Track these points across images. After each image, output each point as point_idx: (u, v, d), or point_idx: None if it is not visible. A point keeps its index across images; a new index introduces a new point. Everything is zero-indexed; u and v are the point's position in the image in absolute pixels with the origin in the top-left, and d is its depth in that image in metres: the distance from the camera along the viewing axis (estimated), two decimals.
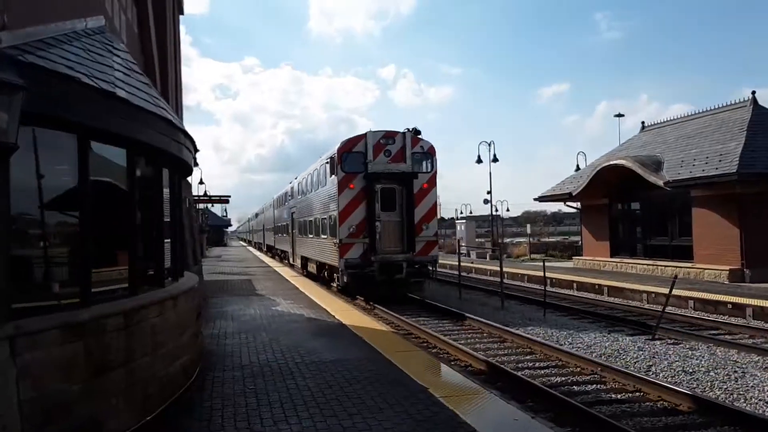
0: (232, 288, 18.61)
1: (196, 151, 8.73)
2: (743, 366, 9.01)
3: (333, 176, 17.06)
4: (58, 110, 4.20)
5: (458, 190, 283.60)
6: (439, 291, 20.07)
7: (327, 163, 17.97)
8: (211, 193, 47.31)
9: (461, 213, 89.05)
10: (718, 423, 6.47)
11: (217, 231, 77.81)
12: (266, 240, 44.52)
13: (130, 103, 5.08)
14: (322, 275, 20.42)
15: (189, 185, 18.97)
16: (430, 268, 16.94)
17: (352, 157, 16.60)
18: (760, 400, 7.37)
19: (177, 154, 6.57)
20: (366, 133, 16.77)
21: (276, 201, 35.43)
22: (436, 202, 17.46)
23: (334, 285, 18.49)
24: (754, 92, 21.96)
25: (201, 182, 54.34)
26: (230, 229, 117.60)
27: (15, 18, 4.17)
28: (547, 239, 56.48)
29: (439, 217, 21.48)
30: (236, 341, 9.39)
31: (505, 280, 22.84)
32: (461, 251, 40.08)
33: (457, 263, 20.58)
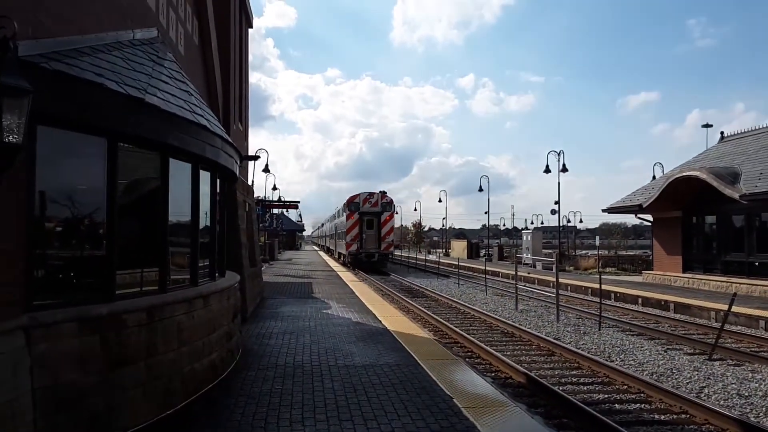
0: (292, 290, 19.08)
1: (241, 157, 9.05)
2: None
3: (345, 213, 36.91)
4: (85, 115, 4.51)
5: (532, 199, 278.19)
6: (494, 301, 19.72)
7: (344, 206, 37.57)
8: (288, 198, 50.36)
9: (531, 223, 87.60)
10: None
11: (290, 235, 79.94)
12: (326, 243, 65.46)
13: (160, 108, 5.35)
14: (341, 259, 40.37)
15: (250, 189, 19.61)
16: (390, 257, 37.32)
17: (353, 204, 36.21)
18: None
19: (214, 159, 6.84)
20: (360, 194, 36.53)
21: (327, 220, 62.94)
22: (393, 226, 37.40)
23: (345, 262, 37.64)
24: None
25: (274, 188, 56.31)
26: (304, 233, 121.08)
27: (48, 29, 4.51)
28: (624, 252, 54.28)
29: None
30: (278, 342, 9.62)
31: (568, 293, 22.21)
32: (526, 262, 39.38)
33: (521, 274, 20.15)
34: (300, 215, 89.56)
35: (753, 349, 11.65)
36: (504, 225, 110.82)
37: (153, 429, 5.22)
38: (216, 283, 7.20)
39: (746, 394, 8.15)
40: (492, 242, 64.92)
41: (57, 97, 4.24)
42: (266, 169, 38.80)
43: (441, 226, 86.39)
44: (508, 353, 10.98)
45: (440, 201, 71.63)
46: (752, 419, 7.04)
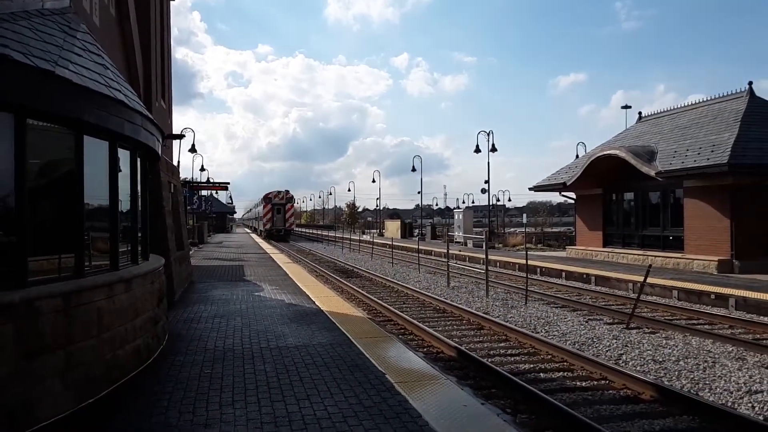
0: (222, 273, 18.65)
1: (164, 135, 8.68)
2: (715, 356, 8.96)
3: (262, 204, 57.04)
4: None
5: (466, 179, 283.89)
6: (426, 279, 20.06)
7: (262, 199, 57.58)
8: (219, 180, 50.43)
9: (463, 202, 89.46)
10: (677, 412, 6.43)
11: (220, 217, 78.07)
12: (253, 225, 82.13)
13: (72, 82, 5.02)
14: (262, 235, 55.95)
15: (176, 170, 18.93)
16: (291, 232, 57.55)
17: (267, 198, 55.29)
18: (724, 390, 7.31)
19: (133, 136, 6.52)
20: (272, 191, 55.42)
21: (254, 206, 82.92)
22: (293, 212, 59.20)
23: (264, 236, 53.95)
24: (750, 83, 21.78)
25: (203, 169, 54.74)
26: (236, 216, 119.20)
27: None
28: (550, 229, 56.43)
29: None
30: (208, 326, 9.39)
31: (497, 269, 22.89)
32: (458, 240, 40.23)
33: (453, 252, 20.53)
34: (230, 197, 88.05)
35: (667, 318, 12.44)
36: (437, 205, 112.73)
37: (74, 418, 4.98)
38: (139, 266, 6.92)
39: (660, 359, 8.69)
40: (425, 222, 65.88)
41: None
42: (193, 149, 37.59)
43: (375, 207, 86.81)
44: (440, 329, 11.21)
45: (374, 181, 71.73)
46: (665, 383, 7.50)
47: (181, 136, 17.19)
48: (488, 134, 39.45)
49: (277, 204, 54.39)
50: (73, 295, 5.06)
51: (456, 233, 42.60)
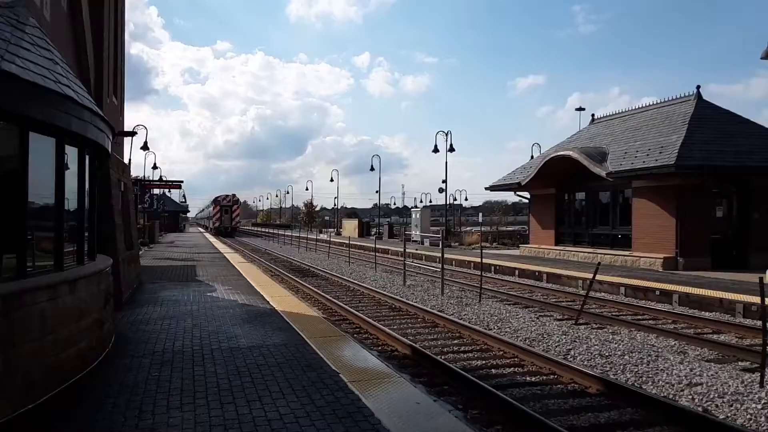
0: (173, 274, 18.25)
1: (115, 132, 8.43)
2: (659, 350, 9.30)
3: (212, 205, 68.83)
4: None
5: (424, 178, 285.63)
6: (383, 278, 20.13)
7: (212, 201, 68.98)
8: (173, 178, 50.54)
9: (421, 202, 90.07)
10: (622, 405, 6.64)
11: (173, 216, 76.38)
12: (205, 223, 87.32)
13: (18, 77, 4.84)
14: (212, 231, 65.13)
15: (126, 168, 18.43)
16: (237, 229, 67.48)
17: (216, 201, 65.93)
18: (666, 383, 7.58)
19: (81, 133, 6.31)
20: (220, 195, 66.01)
21: (206, 207, 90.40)
22: (239, 213, 68.77)
23: (212, 231, 65.21)
24: (698, 87, 22.62)
25: (155, 167, 53.42)
26: (189, 215, 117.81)
27: None
28: (505, 228, 57.43)
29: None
30: (156, 327, 9.17)
31: (453, 268, 23.14)
32: (415, 239, 40.49)
33: (410, 251, 20.62)
34: (184, 196, 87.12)
35: (614, 314, 12.83)
36: (395, 204, 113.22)
37: (13, 425, 4.79)
38: (84, 267, 6.70)
39: (607, 354, 8.96)
40: (383, 221, 66.05)
41: None
42: (145, 146, 36.56)
43: (333, 206, 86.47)
44: (395, 327, 11.27)
45: (332, 180, 71.38)
46: (611, 376, 7.75)
47: (132, 133, 16.75)
48: (446, 134, 39.90)
49: (225, 206, 64.88)
50: (14, 296, 4.86)
51: (413, 232, 42.88)
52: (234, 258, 25.31)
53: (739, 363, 8.68)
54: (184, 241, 44.18)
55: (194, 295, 13.00)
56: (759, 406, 6.44)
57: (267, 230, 75.50)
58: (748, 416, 6.24)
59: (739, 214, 20.17)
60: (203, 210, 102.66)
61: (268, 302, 11.79)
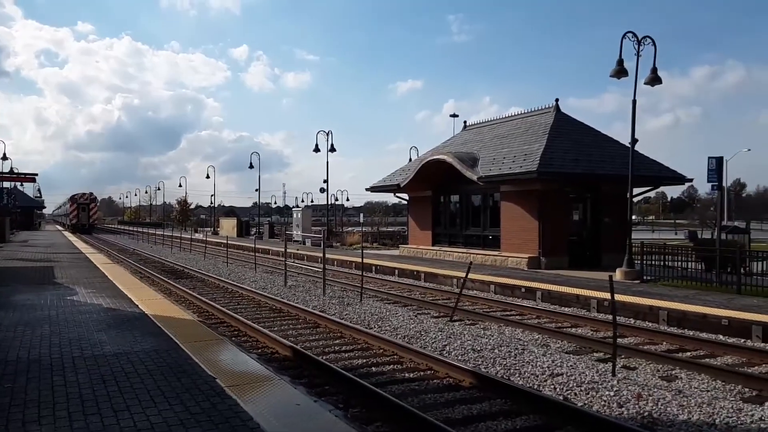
0: (27, 276, 16.58)
1: None
2: (525, 343, 9.98)
3: (69, 203, 69.64)
4: None
5: (306, 177, 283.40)
6: (263, 279, 19.73)
7: (69, 199, 69.87)
8: (26, 170, 46.07)
9: (302, 201, 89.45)
10: (492, 396, 7.03)
11: (26, 213, 69.52)
12: (62, 220, 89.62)
13: None
14: (69, 228, 66.86)
15: None
16: (94, 226, 69.29)
17: (74, 198, 67.20)
18: (532, 374, 8.14)
19: None
20: (77, 193, 67.79)
21: (63, 204, 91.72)
22: (96, 210, 73.00)
23: (69, 228, 66.45)
24: (557, 99, 24.58)
25: (5, 157, 48.18)
26: (46, 211, 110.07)
27: None
28: (385, 229, 58.61)
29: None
30: (9, 335, 8.27)
31: (335, 268, 23.23)
32: (296, 239, 40.11)
33: (291, 251, 20.35)
34: (39, 190, 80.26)
35: (485, 310, 13.59)
36: (276, 203, 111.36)
37: None
38: None
39: (479, 348, 9.45)
40: (263, 220, 64.68)
41: None
42: None
43: (210, 204, 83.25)
44: (276, 328, 11.09)
45: (208, 177, 68.64)
46: (482, 369, 8.19)
47: None
48: (327, 134, 39.97)
49: (83, 203, 66.91)
50: None
51: (295, 232, 42.45)
52: (98, 258, 23.52)
53: (595, 354, 9.57)
54: (40, 240, 40.28)
55: (52, 299, 11.90)
56: (612, 393, 7.12)
57: (135, 229, 71.03)
58: (603, 403, 6.87)
59: (592, 218, 22.24)
60: (60, 207, 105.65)
61: (137, 306, 11.07)
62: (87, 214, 66.37)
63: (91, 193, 70.09)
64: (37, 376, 6.20)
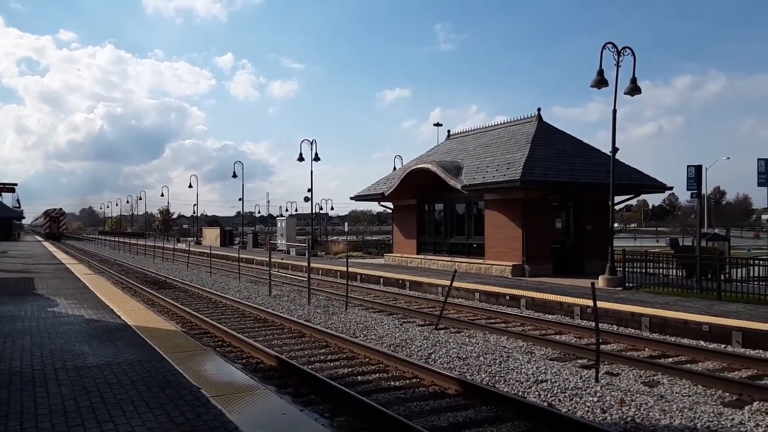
0: (6, 287, 16.31)
1: None
2: (509, 351, 10.04)
3: (43, 216, 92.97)
4: None
5: (291, 186, 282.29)
6: (248, 289, 19.62)
7: (44, 213, 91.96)
8: (5, 180, 45.87)
9: (286, 210, 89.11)
10: (478, 404, 7.07)
11: (5, 223, 68.48)
12: (39, 231, 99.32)
13: None
14: (42, 236, 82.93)
15: None
16: (64, 234, 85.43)
17: (47, 213, 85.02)
18: (516, 381, 8.19)
19: None
20: (49, 209, 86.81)
21: (40, 217, 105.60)
22: (65, 222, 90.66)
23: (43, 236, 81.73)
24: (539, 109, 24.83)
25: None
26: (25, 221, 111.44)
27: None
28: (370, 237, 58.61)
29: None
30: None
31: (320, 277, 23.18)
32: (281, 248, 39.95)
33: (275, 260, 20.26)
34: (18, 200, 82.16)
35: (470, 318, 13.65)
36: (260, 212, 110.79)
37: None
38: None
39: (464, 356, 9.48)
40: (247, 229, 64.33)
41: None
42: None
43: (192, 213, 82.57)
44: (260, 338, 11.04)
45: (191, 186, 67.92)
46: (468, 377, 8.22)
47: None
48: (311, 143, 39.98)
49: (54, 217, 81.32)
50: None
51: (279, 241, 42.29)
52: (79, 269, 23.23)
53: (578, 360, 9.66)
54: (19, 251, 39.66)
55: (33, 310, 11.73)
56: (595, 399, 7.19)
57: (117, 239, 70.18)
58: (586, 408, 6.93)
59: (575, 226, 22.48)
60: (37, 219, 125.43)
61: (119, 317, 10.96)
62: (57, 225, 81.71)
63: (61, 209, 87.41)
64: (18, 388, 6.11)
